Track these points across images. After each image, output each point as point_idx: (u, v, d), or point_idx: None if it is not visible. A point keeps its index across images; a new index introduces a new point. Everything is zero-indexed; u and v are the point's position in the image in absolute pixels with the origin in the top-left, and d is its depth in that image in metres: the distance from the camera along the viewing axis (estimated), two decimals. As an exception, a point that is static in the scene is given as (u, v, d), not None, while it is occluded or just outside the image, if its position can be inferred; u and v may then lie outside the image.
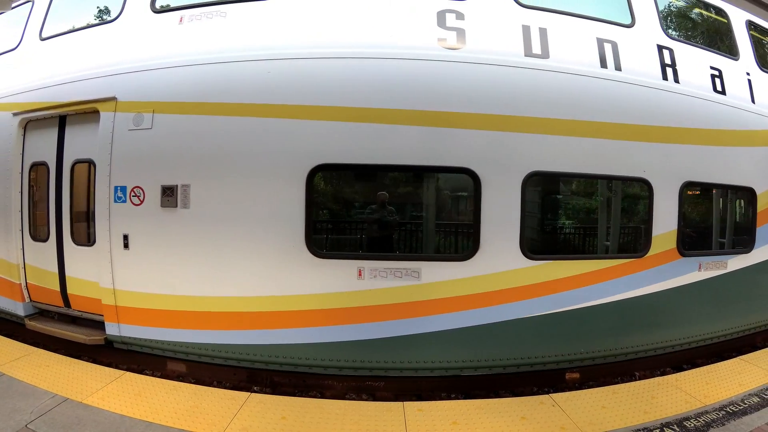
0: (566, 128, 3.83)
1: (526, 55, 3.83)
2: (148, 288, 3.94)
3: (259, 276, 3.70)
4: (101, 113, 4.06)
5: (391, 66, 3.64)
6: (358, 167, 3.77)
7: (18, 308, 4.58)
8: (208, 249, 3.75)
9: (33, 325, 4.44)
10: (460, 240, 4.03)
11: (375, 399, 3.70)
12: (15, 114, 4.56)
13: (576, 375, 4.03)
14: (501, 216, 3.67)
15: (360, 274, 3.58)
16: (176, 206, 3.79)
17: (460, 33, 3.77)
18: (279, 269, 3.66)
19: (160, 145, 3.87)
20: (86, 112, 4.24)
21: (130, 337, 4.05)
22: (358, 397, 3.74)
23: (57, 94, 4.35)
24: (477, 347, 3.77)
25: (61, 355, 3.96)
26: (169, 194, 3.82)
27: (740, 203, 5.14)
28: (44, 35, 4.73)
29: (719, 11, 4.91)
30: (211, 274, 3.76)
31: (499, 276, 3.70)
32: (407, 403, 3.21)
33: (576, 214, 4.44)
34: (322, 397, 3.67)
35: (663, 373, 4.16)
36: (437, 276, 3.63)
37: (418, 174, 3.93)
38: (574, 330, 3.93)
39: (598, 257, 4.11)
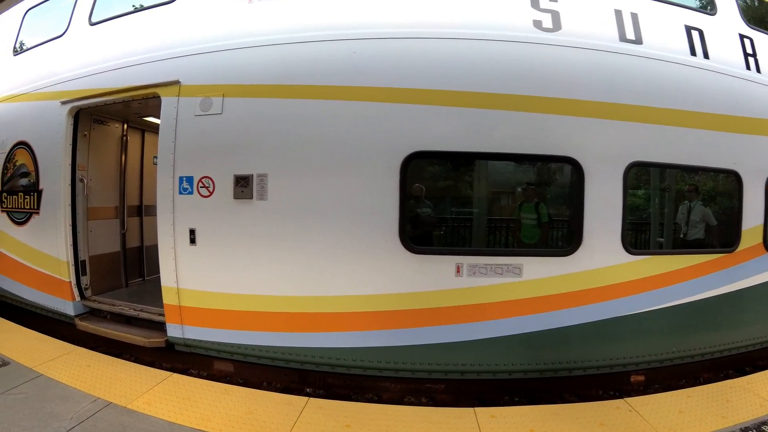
0: (663, 117, 3.64)
1: (620, 40, 3.65)
2: (217, 287, 3.65)
3: (348, 274, 3.42)
4: (162, 98, 3.78)
5: (488, 48, 3.41)
6: (457, 155, 3.52)
7: (68, 307, 4.23)
8: (289, 244, 3.47)
9: (84, 325, 4.10)
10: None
11: (434, 402, 3.50)
12: (63, 102, 4.25)
13: (641, 377, 3.82)
14: (604, 208, 3.46)
15: (458, 271, 3.33)
16: (252, 198, 3.51)
17: (555, 15, 3.57)
18: (370, 266, 3.39)
19: (232, 131, 3.59)
20: (145, 98, 3.96)
21: (194, 340, 3.74)
22: (417, 400, 3.54)
23: (111, 79, 4.06)
24: (577, 347, 3.53)
25: (102, 354, 3.66)
26: (243, 185, 3.54)
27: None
28: (94, 20, 4.45)
29: None
30: (292, 272, 3.48)
31: (601, 272, 3.47)
32: (478, 409, 3.01)
33: (671, 207, 4.25)
34: (380, 399, 3.47)
35: (726, 376, 3.98)
36: (539, 272, 3.39)
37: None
38: (669, 327, 3.71)
39: (693, 252, 3.91)
